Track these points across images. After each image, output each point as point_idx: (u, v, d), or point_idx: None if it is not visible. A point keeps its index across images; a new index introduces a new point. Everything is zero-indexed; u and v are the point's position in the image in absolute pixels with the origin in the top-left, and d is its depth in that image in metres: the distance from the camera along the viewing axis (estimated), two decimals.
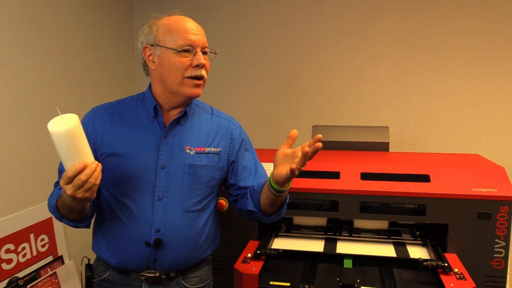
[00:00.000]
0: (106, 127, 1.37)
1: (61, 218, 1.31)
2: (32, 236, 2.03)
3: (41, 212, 2.09)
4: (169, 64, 1.33)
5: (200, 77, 1.33)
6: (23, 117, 2.02)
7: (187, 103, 1.40)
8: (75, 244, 2.31)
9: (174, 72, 1.32)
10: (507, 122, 2.55)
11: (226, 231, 1.61)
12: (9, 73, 1.95)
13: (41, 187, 2.12)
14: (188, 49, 1.31)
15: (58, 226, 2.18)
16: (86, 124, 1.38)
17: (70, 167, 1.10)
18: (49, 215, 2.12)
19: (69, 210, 1.25)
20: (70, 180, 1.11)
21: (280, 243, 1.91)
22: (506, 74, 2.53)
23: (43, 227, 2.10)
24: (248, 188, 1.46)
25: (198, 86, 1.34)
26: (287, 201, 1.44)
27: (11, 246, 1.91)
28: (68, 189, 1.12)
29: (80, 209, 1.25)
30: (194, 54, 1.32)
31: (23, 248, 1.98)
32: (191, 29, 1.33)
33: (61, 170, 1.39)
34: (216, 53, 1.40)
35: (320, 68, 2.77)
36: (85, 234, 1.39)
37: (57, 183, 1.41)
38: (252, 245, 1.85)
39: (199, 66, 1.32)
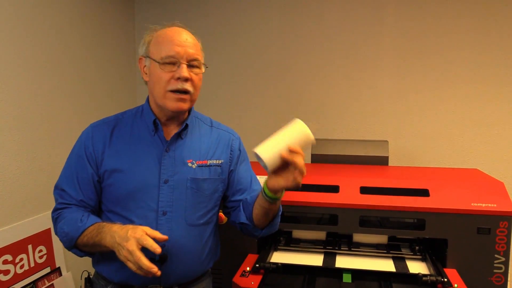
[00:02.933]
0: (106, 144, 1.35)
1: (72, 248, 1.31)
2: (30, 247, 2.02)
3: (40, 223, 2.08)
4: (154, 77, 1.31)
5: (183, 91, 1.29)
6: (24, 128, 2.03)
7: (181, 117, 1.39)
8: (73, 256, 2.28)
9: (158, 85, 1.31)
10: (506, 137, 2.56)
11: (225, 244, 1.60)
12: (10, 84, 1.96)
13: (40, 198, 2.12)
14: (172, 61, 1.28)
15: (57, 238, 2.17)
16: (85, 141, 1.36)
17: (145, 262, 1.12)
18: (47, 226, 2.12)
19: (94, 246, 1.27)
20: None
21: (279, 257, 1.90)
22: (505, 89, 2.54)
23: (41, 238, 2.09)
24: (241, 201, 1.46)
25: (181, 100, 1.30)
26: (280, 213, 1.42)
27: (8, 257, 1.90)
28: (124, 256, 1.14)
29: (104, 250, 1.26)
30: (178, 67, 1.28)
31: (21, 259, 1.97)
32: (178, 40, 1.29)
33: (63, 189, 1.36)
34: (207, 66, 1.36)
35: (320, 82, 2.78)
36: None
37: (63, 207, 1.36)
38: (251, 258, 1.84)
39: (181, 79, 1.28)
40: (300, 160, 1.17)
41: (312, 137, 1.20)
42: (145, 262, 1.11)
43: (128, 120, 1.41)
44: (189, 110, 1.43)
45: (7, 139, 1.94)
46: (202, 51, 1.39)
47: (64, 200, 1.35)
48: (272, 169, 1.21)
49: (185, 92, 1.30)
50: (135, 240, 1.13)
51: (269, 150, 1.19)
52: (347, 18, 2.72)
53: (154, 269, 1.12)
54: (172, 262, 1.32)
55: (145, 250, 1.30)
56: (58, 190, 1.37)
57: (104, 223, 1.26)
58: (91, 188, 1.35)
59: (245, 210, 1.41)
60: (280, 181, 1.22)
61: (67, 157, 1.40)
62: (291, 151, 1.17)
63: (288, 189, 1.23)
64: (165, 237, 1.18)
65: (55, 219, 1.36)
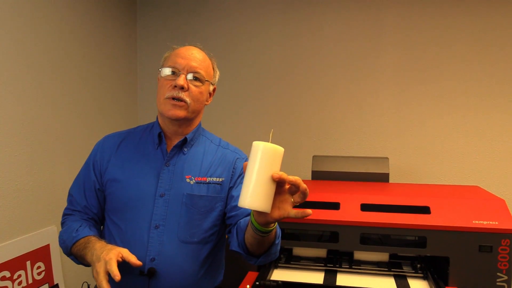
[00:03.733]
0: (112, 154, 1.41)
1: (69, 255, 1.36)
2: (28, 263, 2.00)
3: (39, 239, 2.07)
4: (158, 85, 1.39)
5: (177, 98, 1.33)
6: (25, 144, 2.03)
7: (185, 131, 1.41)
8: (72, 272, 2.27)
9: (159, 92, 1.38)
10: (506, 154, 2.56)
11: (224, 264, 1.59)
12: (12, 99, 1.97)
13: (39, 214, 2.11)
14: (173, 71, 1.35)
15: (55, 254, 2.16)
16: (96, 150, 1.44)
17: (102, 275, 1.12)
18: (46, 242, 2.11)
19: (82, 261, 1.30)
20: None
21: (279, 275, 1.88)
22: (505, 105, 2.56)
23: (40, 255, 2.07)
24: (234, 219, 1.38)
25: (175, 106, 1.33)
26: (278, 241, 1.28)
27: (6, 274, 1.89)
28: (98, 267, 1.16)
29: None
30: (178, 76, 1.34)
31: (19, 276, 1.95)
32: (184, 54, 1.37)
33: (72, 194, 1.43)
34: (208, 81, 1.40)
35: (320, 98, 2.80)
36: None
37: (69, 213, 1.43)
38: (251, 276, 1.82)
39: (177, 87, 1.32)
40: (297, 180, 1.03)
41: (279, 148, 1.02)
42: (105, 286, 1.12)
43: (137, 134, 1.46)
44: (195, 125, 1.45)
45: (7, 154, 1.94)
46: (212, 70, 1.44)
47: (71, 206, 1.42)
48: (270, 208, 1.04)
49: (179, 99, 1.34)
50: (104, 262, 1.14)
51: (256, 196, 0.99)
52: (347, 35, 2.74)
53: None
54: (161, 277, 1.31)
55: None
56: (69, 195, 1.45)
57: (92, 238, 1.29)
58: (93, 196, 1.41)
59: (238, 235, 1.31)
60: (275, 212, 1.06)
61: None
62: (279, 179, 1.01)
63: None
64: (139, 263, 1.18)
65: (61, 224, 1.43)
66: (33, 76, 2.08)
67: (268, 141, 1.03)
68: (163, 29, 2.99)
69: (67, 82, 2.31)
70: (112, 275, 1.11)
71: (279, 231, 1.29)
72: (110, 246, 1.22)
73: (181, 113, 1.34)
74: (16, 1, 1.96)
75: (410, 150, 2.69)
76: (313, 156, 2.48)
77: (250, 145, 1.05)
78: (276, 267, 1.95)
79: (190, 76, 1.35)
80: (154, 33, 2.99)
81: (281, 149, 1.03)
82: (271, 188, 1.01)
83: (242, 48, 2.90)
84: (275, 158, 1.02)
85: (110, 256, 1.14)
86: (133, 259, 1.18)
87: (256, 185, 0.99)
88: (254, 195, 0.99)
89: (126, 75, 2.88)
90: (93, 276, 1.16)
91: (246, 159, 1.45)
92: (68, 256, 1.36)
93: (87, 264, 1.28)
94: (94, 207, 1.41)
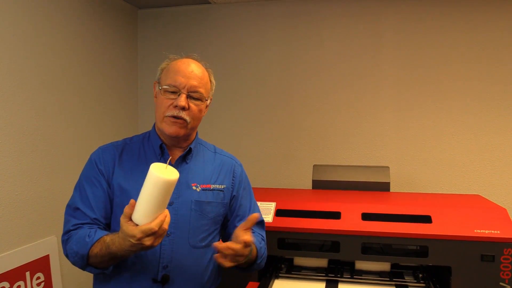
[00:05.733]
0: (115, 164, 1.40)
1: (86, 266, 1.29)
2: (27, 274, 1.99)
3: (38, 249, 2.06)
4: (158, 101, 1.40)
5: (177, 117, 1.35)
6: (24, 153, 2.03)
7: (185, 143, 1.44)
8: (72, 283, 2.26)
9: (158, 109, 1.39)
10: (507, 163, 2.56)
11: (224, 272, 1.58)
12: (9, 109, 1.97)
13: (39, 224, 2.10)
14: (174, 90, 1.35)
15: (55, 264, 2.15)
16: (96, 160, 1.39)
17: (156, 222, 1.13)
18: (46, 252, 2.10)
19: (112, 259, 1.24)
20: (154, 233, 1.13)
21: (280, 285, 1.87)
22: (506, 114, 2.56)
23: (40, 265, 2.06)
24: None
25: (176, 124, 1.35)
26: (261, 257, 1.47)
27: (6, 284, 1.88)
28: (148, 241, 1.13)
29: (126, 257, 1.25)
30: (179, 95, 1.35)
31: (18, 287, 1.94)
32: (183, 71, 1.37)
33: (78, 208, 1.34)
34: (207, 99, 1.42)
35: (321, 108, 2.80)
36: (82, 272, 1.38)
37: (75, 228, 1.33)
38: (252, 286, 1.81)
39: (178, 107, 1.34)
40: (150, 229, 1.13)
41: (165, 178, 1.12)
42: (156, 226, 1.13)
43: (135, 144, 1.46)
44: (193, 136, 1.48)
45: (7, 164, 1.94)
46: (210, 84, 1.45)
47: (78, 221, 1.33)
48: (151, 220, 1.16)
49: (179, 118, 1.36)
50: (134, 238, 1.13)
51: (136, 214, 1.17)
52: (347, 47, 2.76)
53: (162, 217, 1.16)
54: (174, 283, 1.34)
55: (146, 272, 1.32)
56: (71, 209, 1.36)
57: (108, 238, 1.24)
58: (105, 206, 1.36)
59: None
60: None
61: (78, 179, 1.42)
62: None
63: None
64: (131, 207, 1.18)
65: (66, 241, 1.34)
66: (33, 86, 2.09)
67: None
68: (164, 41, 3.00)
69: (67, 93, 2.32)
70: (161, 231, 1.14)
71: (262, 252, 1.48)
72: (130, 240, 1.16)
73: (181, 131, 1.38)
74: (13, 15, 1.98)
75: (411, 159, 2.69)
76: (313, 165, 2.48)
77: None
78: (277, 277, 1.94)
79: (190, 95, 1.36)
80: (155, 46, 3.00)
81: (165, 179, 1.13)
82: (154, 208, 1.15)
83: (243, 59, 2.91)
84: (160, 189, 1.14)
85: (129, 233, 1.13)
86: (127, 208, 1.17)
87: (144, 205, 1.15)
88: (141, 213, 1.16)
89: (127, 87, 2.89)
90: (145, 248, 1.16)
91: (241, 166, 1.57)
92: (83, 268, 1.30)
93: (119, 260, 1.27)
94: (106, 218, 1.37)
